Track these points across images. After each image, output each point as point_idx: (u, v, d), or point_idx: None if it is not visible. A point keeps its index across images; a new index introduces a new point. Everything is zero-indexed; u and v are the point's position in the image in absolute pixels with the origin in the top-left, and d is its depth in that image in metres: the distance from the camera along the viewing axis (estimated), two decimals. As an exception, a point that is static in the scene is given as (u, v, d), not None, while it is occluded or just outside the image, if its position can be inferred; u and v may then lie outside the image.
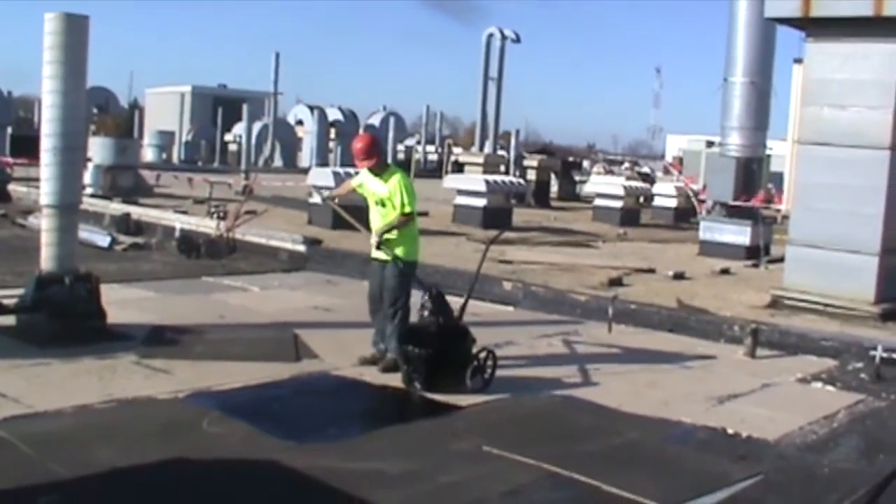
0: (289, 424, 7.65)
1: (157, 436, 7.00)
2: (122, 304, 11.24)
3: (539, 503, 6.11)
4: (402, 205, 9.30)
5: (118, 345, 9.55)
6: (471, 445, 7.17)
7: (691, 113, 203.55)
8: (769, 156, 23.46)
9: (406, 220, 9.35)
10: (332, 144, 58.40)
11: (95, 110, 55.93)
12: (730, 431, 7.99)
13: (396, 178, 9.37)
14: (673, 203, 31.27)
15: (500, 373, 9.01)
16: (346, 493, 6.03)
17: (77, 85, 9.96)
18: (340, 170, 24.62)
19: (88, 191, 23.36)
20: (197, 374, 8.70)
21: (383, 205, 9.41)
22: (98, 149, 26.96)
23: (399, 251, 9.38)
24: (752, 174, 21.65)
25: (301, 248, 17.13)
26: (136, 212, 20.58)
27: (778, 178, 40.25)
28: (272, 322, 11.31)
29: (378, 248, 9.42)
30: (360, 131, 63.40)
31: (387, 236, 9.35)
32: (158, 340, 9.96)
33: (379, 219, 9.47)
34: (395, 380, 8.89)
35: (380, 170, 9.49)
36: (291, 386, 8.77)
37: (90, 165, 25.36)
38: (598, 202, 30.82)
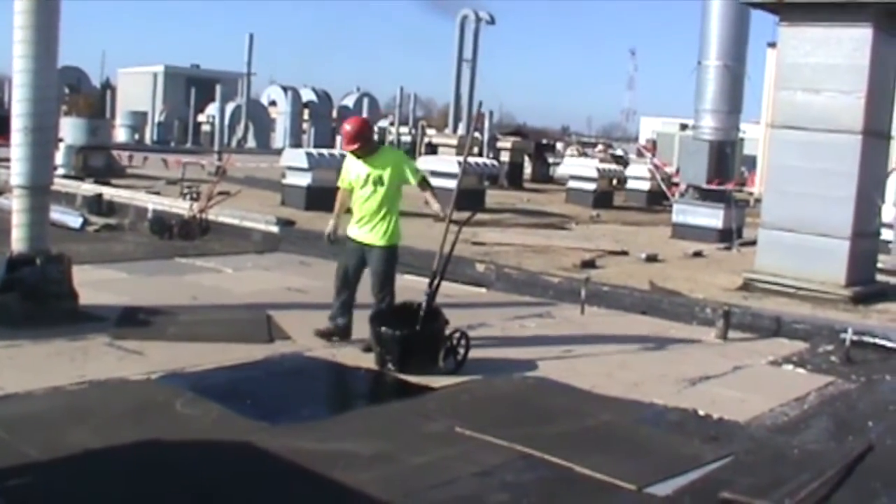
0: (262, 405, 7.65)
1: (130, 417, 6.98)
2: (94, 285, 11.18)
3: (511, 484, 6.13)
4: (416, 172, 9.61)
5: (90, 326, 9.51)
6: (443, 426, 7.19)
7: (665, 96, 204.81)
8: (742, 139, 23.59)
9: (427, 183, 9.68)
10: (305, 125, 58.29)
11: (67, 90, 55.50)
12: (701, 413, 8.04)
13: (397, 154, 9.65)
14: (646, 186, 31.35)
15: (472, 354, 9.03)
16: (319, 474, 6.04)
17: (48, 64, 9.84)
18: (314, 150, 24.59)
19: (60, 171, 23.19)
20: (170, 356, 8.67)
21: (380, 183, 9.40)
22: (70, 129, 26.81)
23: (389, 234, 9.49)
24: (726, 157, 21.74)
25: (274, 229, 17.09)
26: (109, 192, 20.44)
27: (751, 162, 40.47)
28: (245, 303, 11.30)
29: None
30: (335, 113, 63.50)
31: (378, 218, 9.45)
32: (131, 322, 9.92)
33: (371, 200, 9.44)
34: (367, 361, 8.90)
35: (372, 151, 9.52)
36: (265, 367, 8.75)
37: (62, 146, 25.22)
38: (572, 184, 30.90)
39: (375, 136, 9.49)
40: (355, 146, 9.42)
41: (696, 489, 6.27)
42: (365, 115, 39.65)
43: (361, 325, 9.28)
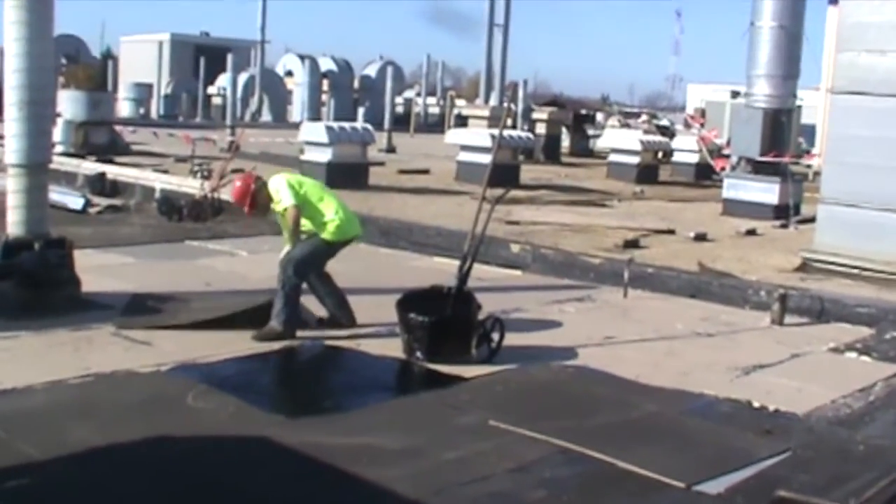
0: (280, 398, 7.70)
1: (138, 412, 7.03)
2: (98, 271, 11.26)
3: (550, 480, 6.14)
4: (279, 202, 9.42)
5: (94, 315, 9.56)
6: (476, 419, 7.21)
7: (715, 61, 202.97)
8: (800, 107, 23.39)
9: (287, 216, 9.38)
10: (324, 97, 58.34)
11: (64, 61, 55.71)
12: (755, 404, 8.02)
13: (273, 182, 9.48)
14: (694, 159, 31.20)
15: (507, 341, 9.04)
16: (342, 470, 6.07)
17: (44, 32, 9.84)
18: (334, 124, 24.63)
19: (59, 149, 23.35)
20: (181, 346, 8.72)
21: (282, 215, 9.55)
22: (69, 103, 26.93)
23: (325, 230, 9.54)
24: (781, 127, 21.57)
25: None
26: (112, 171, 20.56)
27: (809, 131, 40.19)
28: (262, 289, 11.27)
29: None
30: (356, 83, 63.50)
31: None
32: (138, 310, 9.94)
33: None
34: (394, 349, 8.92)
35: (269, 200, 9.52)
36: (283, 357, 8.81)
37: (60, 121, 25.33)
38: (613, 158, 30.81)
39: (259, 189, 9.36)
40: (253, 208, 9.62)
41: (749, 487, 6.25)
42: (389, 84, 39.55)
43: (364, 312, 9.31)
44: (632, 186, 27.20)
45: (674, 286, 12.69)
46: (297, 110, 57.69)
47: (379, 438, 6.71)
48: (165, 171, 21.37)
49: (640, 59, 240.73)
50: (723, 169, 24.74)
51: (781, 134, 21.58)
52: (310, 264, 9.47)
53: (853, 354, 10.01)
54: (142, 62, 61.14)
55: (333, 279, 9.79)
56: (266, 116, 56.80)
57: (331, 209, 9.47)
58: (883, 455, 6.94)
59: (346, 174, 21.86)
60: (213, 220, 16.60)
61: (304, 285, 9.51)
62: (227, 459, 6.30)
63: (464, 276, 9.10)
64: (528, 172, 27.36)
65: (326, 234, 9.43)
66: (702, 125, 37.84)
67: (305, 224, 9.41)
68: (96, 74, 55.15)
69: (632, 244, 15.84)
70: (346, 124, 24.82)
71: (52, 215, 10.74)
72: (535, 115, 38.89)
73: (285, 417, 7.12)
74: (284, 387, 8.43)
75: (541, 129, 37.30)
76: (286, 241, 9.45)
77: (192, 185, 18.10)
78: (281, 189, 9.32)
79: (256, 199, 9.49)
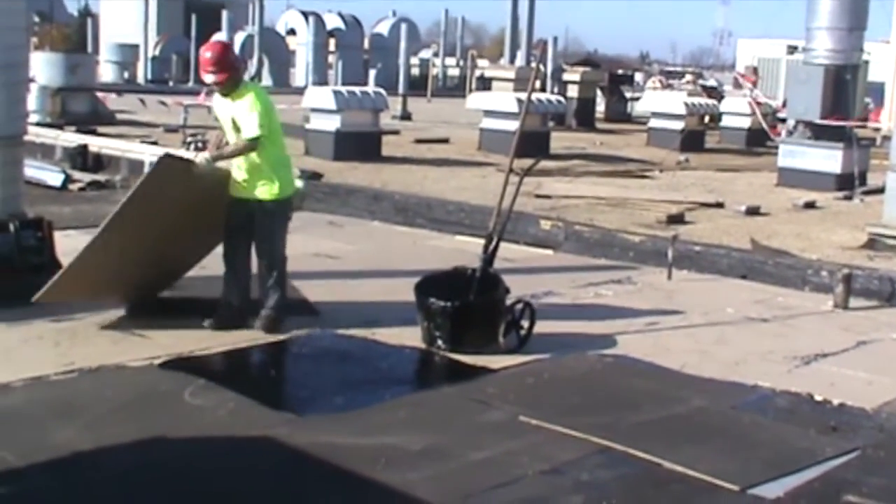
0: (287, 393, 7.74)
1: (128, 411, 7.07)
2: (82, 253, 11.32)
3: (587, 483, 6.16)
4: (248, 126, 8.91)
5: (78, 304, 9.53)
6: (505, 415, 7.23)
7: (768, 12, 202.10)
8: (866, 63, 23.27)
9: (248, 146, 8.92)
10: (331, 59, 58.32)
11: (37, 19, 55.76)
12: (818, 398, 8.02)
13: (250, 96, 9.01)
14: (745, 123, 31.17)
15: (538, 328, 9.06)
16: (358, 474, 6.10)
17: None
18: (343, 89, 24.63)
19: (34, 118, 23.35)
20: (176, 337, 8.75)
21: (237, 130, 9.05)
22: (43, 66, 26.96)
23: (262, 190, 9.07)
24: (845, 86, 21.45)
25: (298, 183, 17.11)
26: (95, 143, 20.64)
27: (877, 91, 40.04)
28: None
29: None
30: (367, 43, 63.47)
31: (233, 168, 9.06)
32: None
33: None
34: (412, 338, 8.94)
35: (232, 88, 9.07)
36: (289, 347, 8.86)
37: (34, 87, 25.34)
38: (654, 123, 30.83)
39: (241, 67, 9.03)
40: (221, 77, 9.00)
41: (812, 491, 6.26)
42: (403, 44, 39.47)
43: (375, 299, 9.32)
44: (675, 155, 27.12)
45: (723, 266, 12.68)
46: (300, 73, 57.70)
47: (398, 438, 6.74)
48: (155, 143, 21.45)
49: (684, 11, 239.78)
50: (778, 134, 24.67)
51: (845, 94, 21.45)
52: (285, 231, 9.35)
53: (927, 341, 10.00)
54: (125, 20, 60.93)
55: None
56: (266, 80, 56.73)
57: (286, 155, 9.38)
58: (963, 455, 6.93)
59: (356, 144, 21.91)
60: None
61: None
62: (228, 463, 6.32)
63: (489, 256, 9.11)
64: (560, 140, 27.36)
65: (283, 189, 9.21)
66: (754, 85, 37.73)
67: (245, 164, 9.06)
68: (73, 34, 55.19)
69: (676, 219, 15.84)
70: (356, 89, 24.85)
71: (28, 193, 10.77)
72: (566, 77, 38.81)
73: (293, 415, 7.16)
74: (292, 381, 8.46)
75: (573, 91, 37.26)
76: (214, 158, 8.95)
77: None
78: (257, 109, 8.94)
79: (231, 71, 9.08)
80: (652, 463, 6.47)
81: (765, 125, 27.93)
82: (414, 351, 8.85)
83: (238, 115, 8.95)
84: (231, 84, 9.04)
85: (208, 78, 9.05)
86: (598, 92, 40.41)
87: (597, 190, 19.09)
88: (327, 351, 8.91)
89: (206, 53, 9.05)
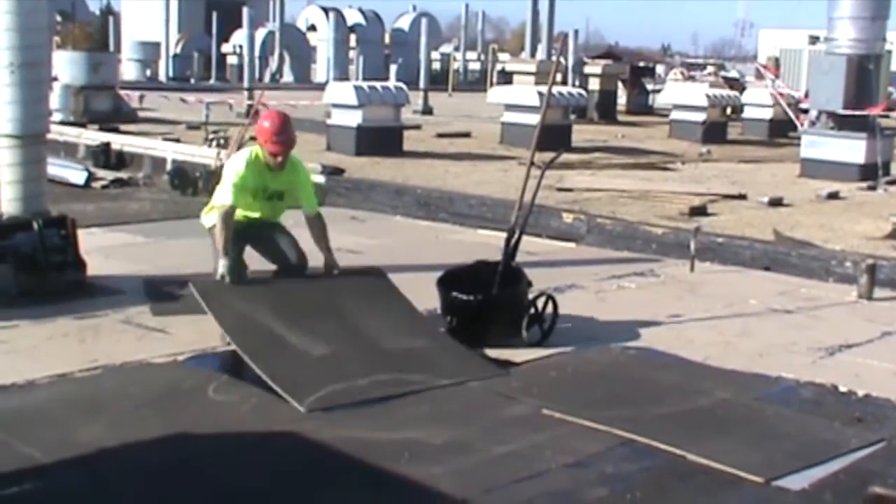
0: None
1: (153, 407, 7.08)
2: (104, 251, 11.37)
3: (612, 476, 6.15)
4: (313, 199, 9.06)
5: (102, 301, 9.63)
6: (528, 409, 7.23)
7: (789, 2, 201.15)
8: (889, 52, 23.15)
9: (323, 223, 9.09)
10: (352, 54, 58.36)
11: (59, 18, 55.98)
12: (842, 389, 7.98)
13: (304, 166, 9.02)
14: (768, 114, 31.07)
15: (561, 322, 9.06)
16: (382, 468, 6.11)
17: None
18: (364, 84, 24.64)
19: (57, 117, 23.47)
20: (199, 333, 8.71)
21: (280, 198, 8.96)
22: (66, 65, 27.06)
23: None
24: (868, 75, 21.34)
25: (319, 178, 17.14)
26: (117, 141, 20.67)
27: (900, 80, 39.79)
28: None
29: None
30: (387, 38, 63.46)
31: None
32: (151, 294, 10.02)
33: (270, 211, 9.04)
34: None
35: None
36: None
37: (57, 86, 25.43)
38: (676, 115, 30.73)
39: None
40: (283, 149, 8.69)
41: (838, 482, 6.22)
42: (424, 38, 39.50)
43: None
44: (697, 147, 27.11)
45: (746, 257, 12.65)
46: (321, 69, 57.72)
47: (420, 432, 6.74)
48: (177, 140, 21.46)
49: (705, 2, 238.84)
50: (801, 125, 24.57)
51: (868, 83, 21.33)
52: None
53: (953, 332, 9.95)
54: (147, 18, 61.26)
55: None
56: (287, 77, 56.99)
57: None
58: None
59: (377, 139, 21.91)
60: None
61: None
62: (253, 458, 6.32)
63: (512, 249, 9.10)
64: (581, 133, 27.32)
65: None
66: (776, 76, 37.60)
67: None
68: (95, 33, 55.44)
69: (698, 211, 15.78)
70: (377, 84, 24.83)
71: (51, 191, 10.80)
72: (587, 70, 38.75)
73: (316, 410, 7.15)
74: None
75: (594, 84, 37.20)
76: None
77: (206, 155, 18.11)
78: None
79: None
80: (676, 455, 6.45)
81: (791, 114, 27.79)
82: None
83: (299, 186, 8.95)
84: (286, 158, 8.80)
85: (278, 150, 8.61)
86: (620, 85, 40.35)
87: (619, 182, 19.04)
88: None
89: (266, 124, 8.67)
